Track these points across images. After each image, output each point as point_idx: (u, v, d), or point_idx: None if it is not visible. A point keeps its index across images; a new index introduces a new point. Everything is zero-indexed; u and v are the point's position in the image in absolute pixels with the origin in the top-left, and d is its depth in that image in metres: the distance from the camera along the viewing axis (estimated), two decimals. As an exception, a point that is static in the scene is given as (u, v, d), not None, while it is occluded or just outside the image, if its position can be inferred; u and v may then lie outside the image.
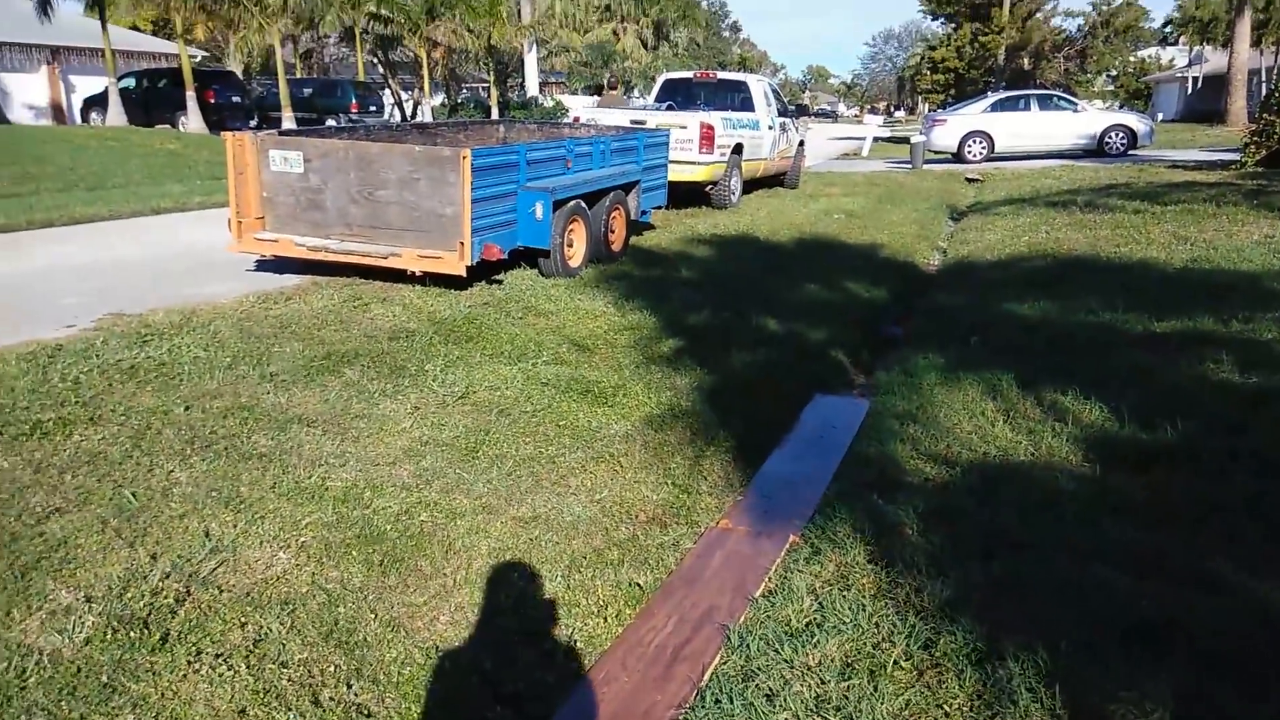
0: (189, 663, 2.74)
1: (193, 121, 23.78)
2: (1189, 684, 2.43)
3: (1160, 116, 38.90)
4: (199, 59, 31.55)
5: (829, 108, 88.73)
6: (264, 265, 7.65)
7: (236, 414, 4.51)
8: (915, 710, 2.52)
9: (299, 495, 3.76)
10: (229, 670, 2.73)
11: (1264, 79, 37.03)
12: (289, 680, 2.73)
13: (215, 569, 3.23)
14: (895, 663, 2.71)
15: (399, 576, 3.28)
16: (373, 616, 3.05)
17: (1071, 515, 3.50)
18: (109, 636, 2.81)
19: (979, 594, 2.98)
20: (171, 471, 3.89)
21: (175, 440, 4.18)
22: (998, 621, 2.81)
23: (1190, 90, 44.93)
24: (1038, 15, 41.81)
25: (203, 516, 3.55)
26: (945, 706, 2.52)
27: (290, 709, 2.62)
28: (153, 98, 25.52)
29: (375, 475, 4.01)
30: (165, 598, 3.03)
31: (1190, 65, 46.01)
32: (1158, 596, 2.85)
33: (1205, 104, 39.63)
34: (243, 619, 2.98)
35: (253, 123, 26.01)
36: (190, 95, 23.82)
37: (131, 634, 2.83)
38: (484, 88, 35.71)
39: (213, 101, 25.03)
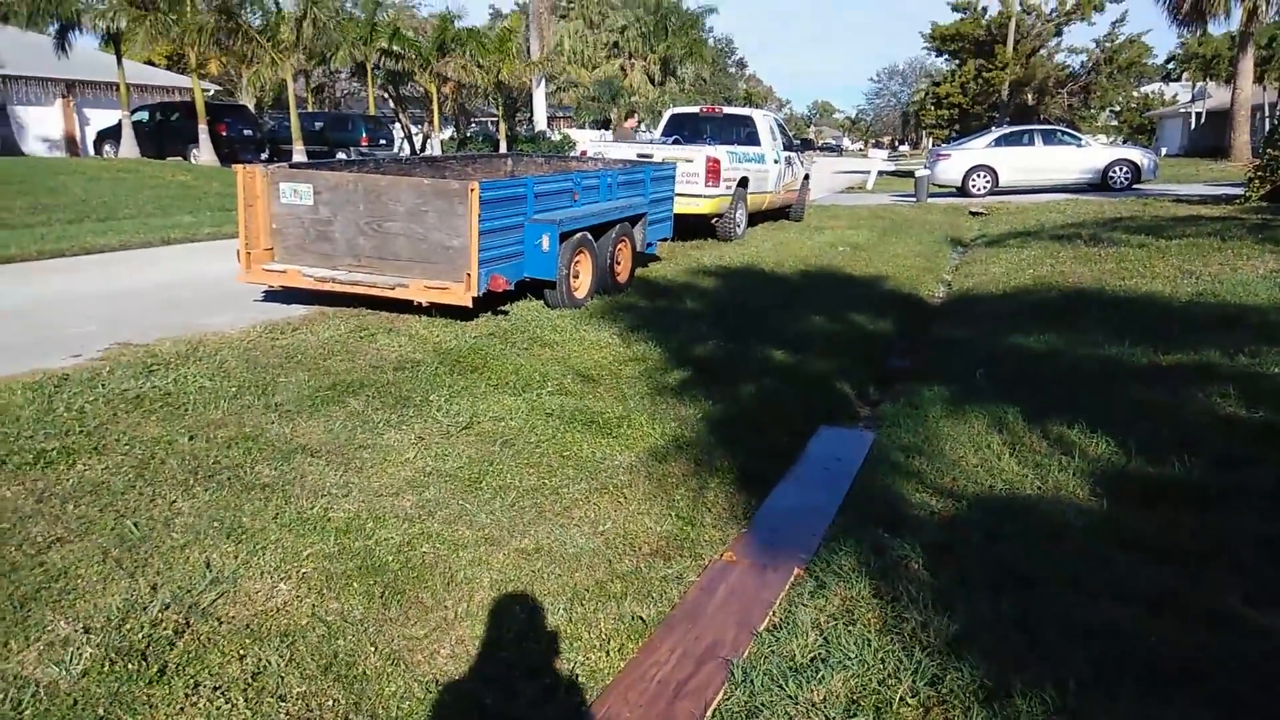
0: (186, 695, 2.72)
1: (204, 154, 24.06)
2: (1200, 723, 2.39)
3: (1164, 151, 39.07)
4: (212, 93, 31.98)
5: (834, 142, 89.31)
6: (272, 296, 7.69)
7: (240, 444, 4.51)
8: (921, 748, 2.48)
9: (301, 526, 3.75)
10: (226, 703, 2.70)
11: (1267, 114, 37.24)
12: (287, 714, 2.70)
13: (215, 600, 3.21)
14: (901, 699, 2.67)
15: (400, 609, 3.26)
16: (373, 649, 3.02)
17: (1080, 550, 3.46)
18: (106, 668, 2.79)
19: (986, 630, 2.95)
20: (174, 502, 3.89)
21: (179, 470, 4.18)
22: (1005, 658, 2.77)
23: (1194, 125, 45.16)
24: (1041, 52, 42.19)
25: (204, 547, 3.54)
26: (952, 744, 2.47)
27: (288, 743, 2.58)
28: (165, 131, 25.86)
29: (378, 506, 4.00)
30: (164, 629, 3.01)
31: (1193, 101, 46.28)
32: (1168, 634, 2.81)
33: (1209, 139, 39.82)
34: (242, 651, 2.95)
35: (264, 155, 26.31)
36: (203, 128, 24.12)
37: (129, 666, 2.81)
38: (493, 121, 36.08)
39: (224, 134, 25.35)
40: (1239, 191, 17.37)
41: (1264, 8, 31.03)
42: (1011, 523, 3.77)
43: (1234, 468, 4.11)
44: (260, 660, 2.91)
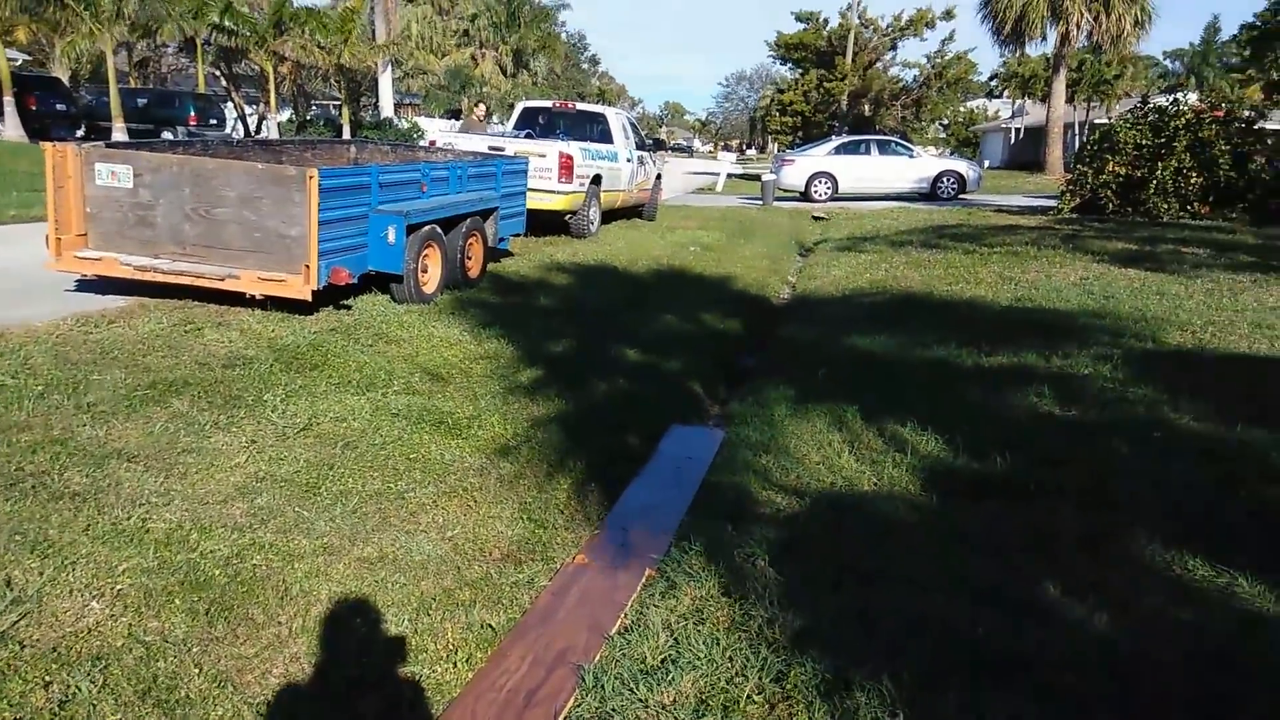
0: (-21, 731, 2.45)
1: (10, 129, 22.01)
2: (1023, 710, 2.54)
3: (987, 164, 41.85)
4: (19, 63, 29.29)
5: (685, 143, 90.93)
6: (85, 286, 7.08)
7: (47, 448, 4.11)
8: (768, 745, 2.52)
9: (116, 538, 3.45)
10: (27, 738, 2.45)
11: (1077, 132, 40.54)
12: (98, 746, 2.47)
13: (17, 622, 2.91)
14: (748, 697, 2.72)
15: (228, 626, 3.04)
16: (197, 671, 2.81)
17: (914, 545, 3.63)
18: (-120, 706, 2.48)
19: (828, 625, 3.04)
20: (-34, 514, 3.50)
21: (-28, 478, 3.77)
22: (846, 652, 2.86)
23: (1014, 140, 48.63)
24: (878, 65, 44.27)
25: (3, 563, 3.20)
26: (796, 740, 2.53)
27: (99, 779, 2.37)
28: (-37, 102, 23.45)
29: (203, 515, 3.73)
30: (-47, 657, 2.70)
31: (1013, 117, 49.86)
32: (994, 626, 2.98)
33: (1027, 153, 42.95)
34: (47, 677, 2.69)
35: (79, 133, 24.32)
36: (9, 100, 22.07)
37: (-92, 702, 2.50)
38: (335, 106, 34.64)
39: (34, 109, 23.28)
40: (1053, 203, 18.80)
41: (1074, 33, 33.75)
42: (851, 518, 3.92)
43: (1051, 464, 4.41)
44: (68, 687, 2.66)
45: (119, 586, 3.16)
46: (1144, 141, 16.31)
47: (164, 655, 2.85)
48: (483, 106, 17.90)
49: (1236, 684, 2.66)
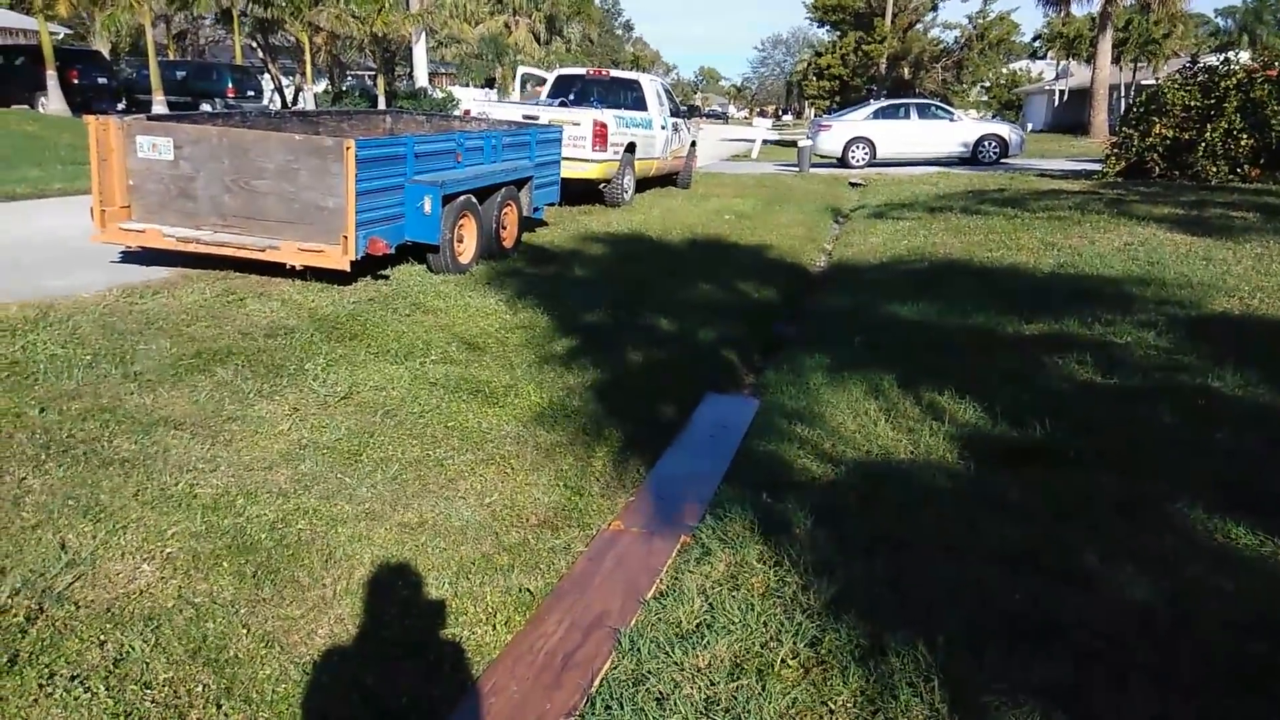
0: (40, 686, 2.54)
1: (54, 103, 22.29)
2: (1059, 676, 2.54)
3: (1030, 127, 40.99)
4: (61, 36, 29.63)
5: (720, 109, 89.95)
6: (130, 257, 7.22)
7: (97, 416, 4.23)
8: (802, 708, 2.55)
9: (165, 503, 3.55)
10: (86, 693, 2.55)
11: (1123, 94, 39.49)
12: (153, 702, 2.56)
13: (71, 584, 3.01)
14: (783, 661, 2.74)
15: (274, 588, 3.13)
16: (245, 631, 2.89)
17: (950, 513, 3.62)
18: (-53, 661, 2.59)
19: (863, 591, 3.05)
20: (24, 479, 3.61)
21: (28, 445, 3.89)
22: (880, 618, 2.88)
23: (1057, 102, 47.48)
24: (918, 26, 43.41)
25: (58, 527, 3.31)
26: (830, 704, 2.55)
27: (154, 733, 2.46)
28: (9, 76, 23.79)
29: (249, 481, 3.82)
30: (15, 616, 2.80)
31: (1057, 79, 48.62)
32: (1031, 592, 2.97)
33: (1071, 116, 41.95)
34: (102, 637, 2.78)
35: (120, 106, 24.62)
36: (51, 74, 22.31)
37: (-27, 658, 2.61)
38: (370, 76, 34.73)
39: (76, 82, 23.55)
40: (1097, 167, 18.37)
41: (1121, -9, 32.76)
42: (887, 486, 3.91)
43: (1090, 432, 4.37)
44: (122, 646, 2.75)
45: (168, 550, 3.26)
46: (1193, 103, 15.84)
47: (213, 616, 2.94)
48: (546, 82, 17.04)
49: (1277, 652, 2.64)
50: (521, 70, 15.77)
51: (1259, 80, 15.63)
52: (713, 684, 2.66)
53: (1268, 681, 2.52)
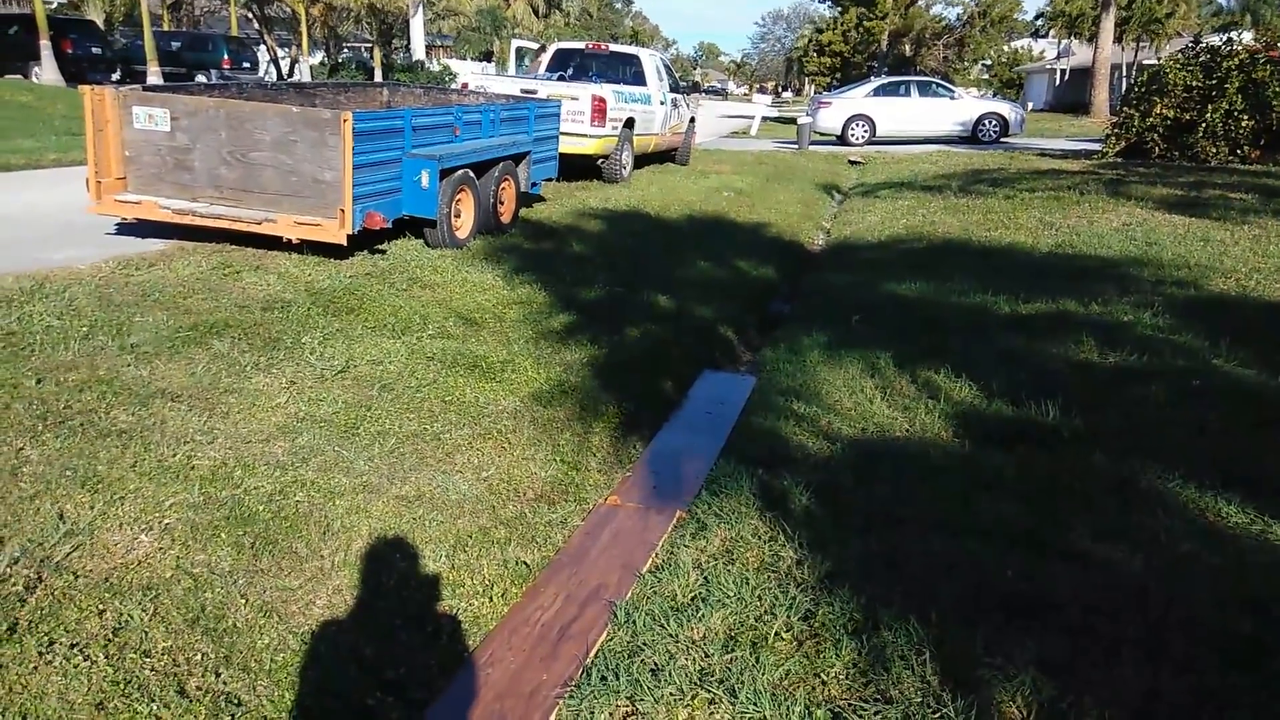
0: (40, 654, 2.56)
1: (48, 73, 22.09)
2: (1051, 650, 2.57)
3: (1030, 106, 40.77)
4: (54, 5, 29.35)
5: (719, 85, 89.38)
6: (126, 229, 7.18)
7: (94, 387, 4.23)
8: (795, 680, 2.57)
9: (162, 474, 3.56)
10: (85, 661, 2.57)
11: (1124, 74, 39.28)
12: (152, 670, 2.58)
13: (70, 553, 3.02)
14: (777, 634, 2.77)
15: (272, 559, 3.15)
16: (243, 601, 2.91)
17: (945, 490, 3.64)
18: (-53, 629, 2.60)
19: (857, 567, 3.07)
20: (21, 449, 3.61)
21: (25, 415, 3.88)
22: (874, 593, 2.90)
23: (1058, 81, 47.22)
24: (920, 3, 43.18)
25: (56, 497, 3.32)
26: (823, 675, 2.58)
27: (154, 699, 2.48)
28: (2, 46, 23.59)
29: (246, 453, 3.83)
30: (14, 585, 2.81)
31: (1059, 58, 48.33)
32: (1023, 568, 3.00)
33: (1072, 95, 41.72)
34: (101, 606, 2.80)
35: (115, 76, 24.40)
36: (45, 44, 22.09)
37: (-28, 625, 2.62)
38: (367, 48, 34.45)
39: (70, 52, 23.34)
40: (1097, 147, 18.31)
41: (1125, -30, 32.47)
42: (882, 464, 3.93)
43: (1086, 411, 4.38)
44: (122, 615, 2.77)
45: (166, 521, 3.27)
46: (1194, 83, 15.76)
47: (211, 586, 2.96)
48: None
49: (1266, 628, 2.66)
50: (515, 43, 15.63)
51: (1261, 61, 15.55)
52: (707, 656, 2.69)
53: (1256, 657, 2.55)
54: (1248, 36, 18.76)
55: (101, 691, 2.48)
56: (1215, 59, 15.86)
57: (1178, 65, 16.34)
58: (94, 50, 24.58)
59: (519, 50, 15.73)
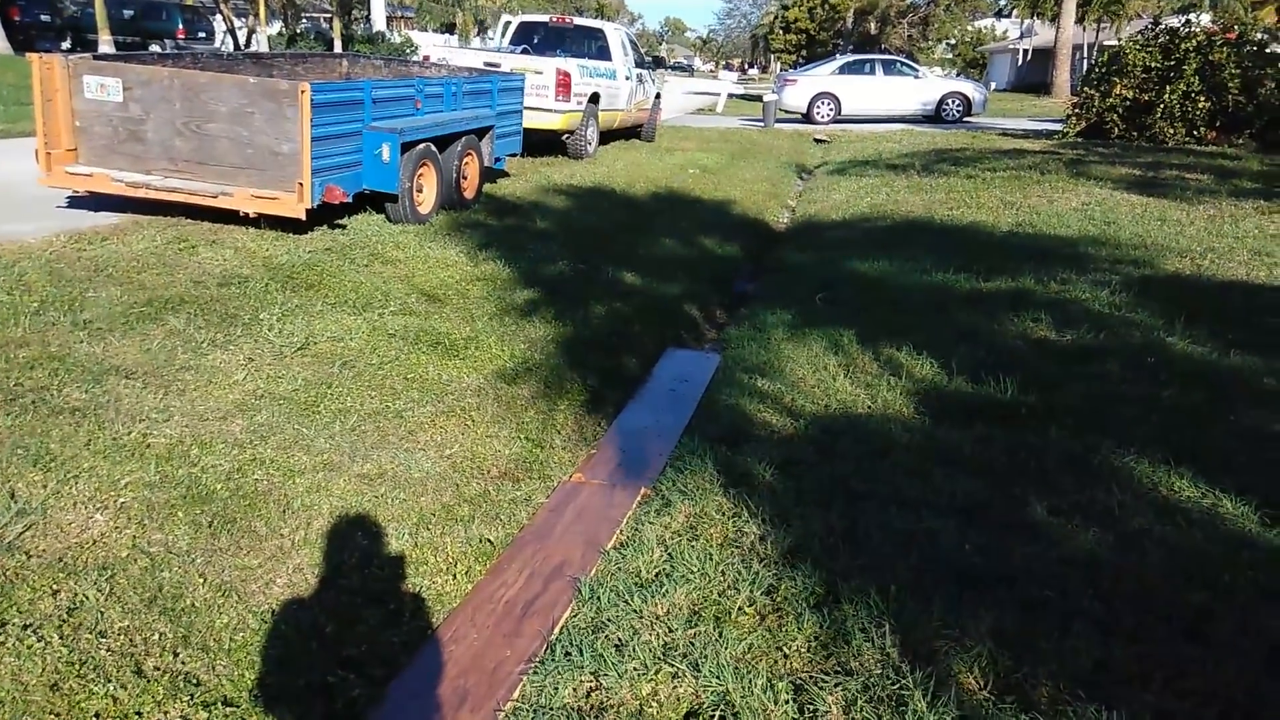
0: (-9, 636, 2.51)
1: (-7, 40, 21.46)
2: (1006, 622, 2.61)
3: (993, 86, 41.07)
4: (-1, -31, 28.36)
5: (685, 62, 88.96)
6: (77, 202, 7.01)
7: (45, 364, 4.13)
8: (757, 653, 2.60)
9: (117, 453, 3.49)
10: (39, 641, 2.52)
11: (1086, 54, 39.63)
12: (108, 650, 2.55)
13: (22, 533, 2.96)
14: (740, 609, 2.79)
15: (231, 538, 3.10)
16: (201, 581, 2.87)
17: (905, 466, 3.68)
18: (-107, 611, 2.54)
19: (818, 541, 3.10)
20: (-32, 428, 3.53)
21: (-28, 393, 3.79)
22: (835, 567, 2.93)
23: (1021, 61, 47.59)
24: (885, -19, 43.26)
25: (7, 476, 3.24)
26: (785, 648, 2.61)
27: (110, 680, 2.44)
28: (-56, 11, 22.86)
29: (203, 431, 3.77)
30: (-38, 566, 2.76)
31: (1021, 38, 48.67)
32: (981, 542, 3.05)
33: (1034, 75, 42.10)
34: (54, 586, 2.75)
35: (65, 45, 23.74)
36: (-10, 10, 21.47)
37: (-80, 607, 2.56)
38: (326, 18, 33.76)
39: (18, 19, 22.70)
40: (1059, 127, 18.51)
41: (1087, -49, 32.68)
42: (844, 440, 3.96)
43: (1043, 388, 4.45)
44: (76, 595, 2.73)
45: (122, 499, 3.21)
46: (1153, 64, 15.97)
47: (169, 565, 2.92)
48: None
49: (1215, 600, 2.73)
50: (505, 19, 15.45)
51: (1218, 43, 15.79)
52: (671, 630, 2.70)
53: (1205, 628, 2.62)
54: (1206, 19, 19.02)
55: (56, 672, 2.44)
56: (1174, 40, 16.07)
57: (1137, 46, 16.54)
58: (43, 17, 23.94)
59: (507, 26, 15.54)
